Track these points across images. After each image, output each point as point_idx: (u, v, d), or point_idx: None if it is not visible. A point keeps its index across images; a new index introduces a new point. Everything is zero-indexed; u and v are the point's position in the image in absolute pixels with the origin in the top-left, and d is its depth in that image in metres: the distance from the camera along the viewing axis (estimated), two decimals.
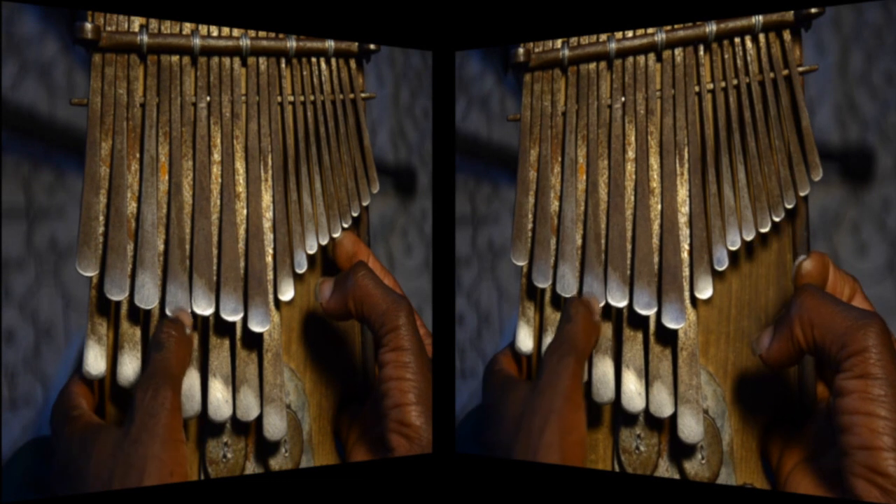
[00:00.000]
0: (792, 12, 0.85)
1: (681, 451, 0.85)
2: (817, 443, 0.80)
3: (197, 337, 0.85)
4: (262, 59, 0.89)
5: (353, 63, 0.94)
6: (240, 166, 0.88)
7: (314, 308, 0.91)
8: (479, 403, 0.99)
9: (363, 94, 0.94)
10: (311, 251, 0.89)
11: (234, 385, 0.86)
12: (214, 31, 0.88)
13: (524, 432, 0.82)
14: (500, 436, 0.86)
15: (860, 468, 0.70)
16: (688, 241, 0.85)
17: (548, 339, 0.89)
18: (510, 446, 0.84)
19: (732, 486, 0.85)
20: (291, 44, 0.90)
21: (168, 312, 0.83)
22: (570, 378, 0.81)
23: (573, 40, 0.90)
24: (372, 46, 0.94)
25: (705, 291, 0.84)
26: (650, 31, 0.88)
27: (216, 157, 0.87)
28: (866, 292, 0.82)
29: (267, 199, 0.88)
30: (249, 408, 0.86)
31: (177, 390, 0.79)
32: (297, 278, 0.89)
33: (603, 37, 0.90)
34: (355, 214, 0.92)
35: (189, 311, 0.84)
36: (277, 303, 0.88)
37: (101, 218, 0.83)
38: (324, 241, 0.90)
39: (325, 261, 0.92)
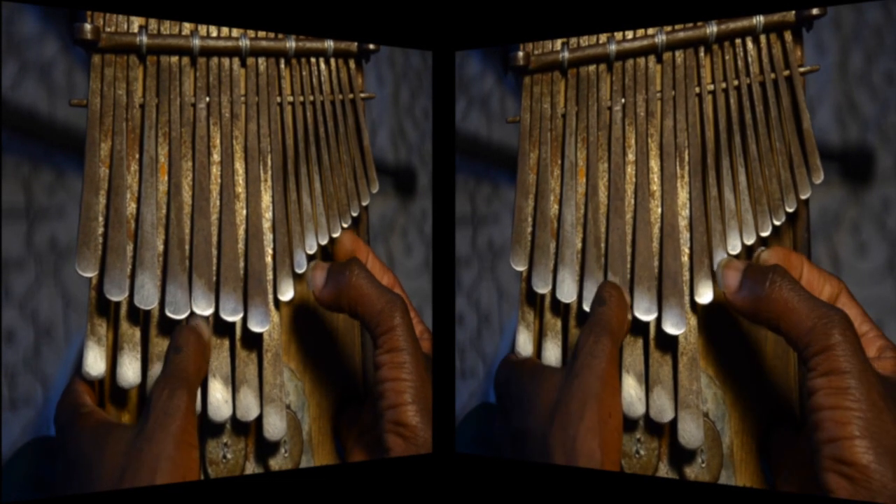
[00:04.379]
0: (793, 13, 0.84)
1: (681, 455, 0.86)
2: None
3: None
4: (261, 60, 0.89)
5: (352, 63, 0.94)
6: (239, 167, 0.88)
7: (314, 308, 0.91)
8: (485, 402, 0.99)
9: (363, 94, 0.94)
10: (311, 251, 0.89)
11: (233, 385, 0.86)
12: (214, 31, 0.88)
13: (562, 416, 0.81)
14: (532, 424, 0.85)
15: (829, 462, 0.70)
16: (688, 246, 0.85)
17: (547, 343, 0.89)
18: (544, 434, 0.83)
19: (732, 487, 0.85)
20: (291, 44, 0.90)
21: (188, 321, 0.84)
22: (607, 360, 0.81)
23: (573, 42, 0.90)
24: (371, 46, 0.94)
25: (705, 296, 0.84)
26: (650, 32, 0.88)
27: (216, 157, 0.87)
28: (866, 292, 0.82)
29: (266, 199, 0.88)
30: (249, 408, 0.86)
31: (193, 394, 0.80)
32: (297, 278, 0.89)
33: (603, 38, 0.89)
34: (355, 214, 0.92)
35: (208, 321, 0.84)
36: (277, 303, 0.88)
37: (101, 218, 0.83)
38: (323, 241, 0.90)
39: (325, 261, 0.92)
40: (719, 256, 0.84)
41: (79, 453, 0.79)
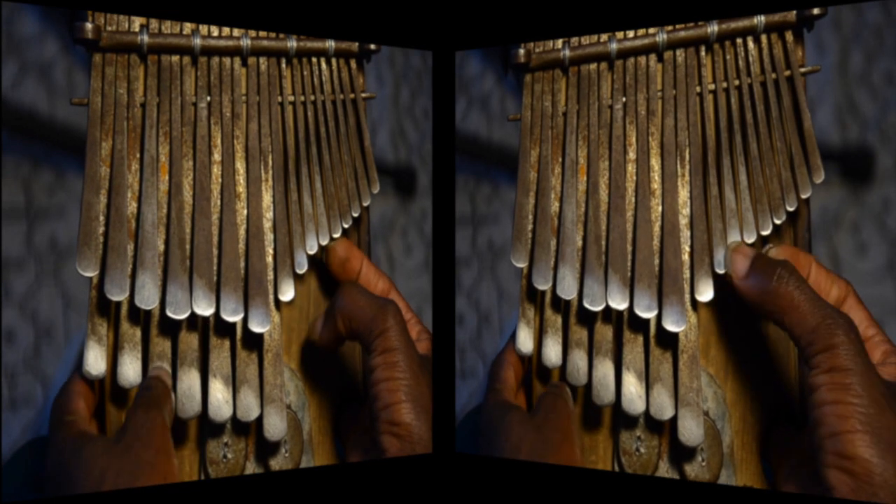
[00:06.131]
0: (794, 13, 0.84)
1: (681, 453, 0.85)
2: None
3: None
4: (262, 59, 0.89)
5: (353, 63, 0.94)
6: (240, 166, 0.88)
7: (314, 309, 0.91)
8: (479, 404, 0.99)
9: (363, 94, 0.94)
10: (312, 251, 0.89)
11: (234, 385, 0.86)
12: (215, 30, 0.88)
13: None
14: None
15: (830, 457, 0.71)
16: (689, 244, 0.85)
17: (547, 340, 0.89)
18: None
19: (732, 487, 0.85)
20: (292, 44, 0.90)
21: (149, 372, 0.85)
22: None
23: (574, 40, 0.90)
24: (372, 46, 0.94)
25: (706, 294, 0.84)
26: (651, 31, 0.88)
27: (216, 157, 0.87)
28: (866, 292, 0.82)
29: (267, 199, 0.88)
30: (250, 408, 0.86)
31: (165, 417, 0.81)
32: (298, 278, 0.89)
33: (604, 37, 0.90)
34: (355, 215, 0.92)
35: (168, 371, 0.84)
36: (278, 303, 0.88)
37: (102, 218, 0.83)
38: (324, 242, 0.90)
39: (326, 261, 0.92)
40: (720, 255, 0.84)
41: (59, 461, 0.79)
